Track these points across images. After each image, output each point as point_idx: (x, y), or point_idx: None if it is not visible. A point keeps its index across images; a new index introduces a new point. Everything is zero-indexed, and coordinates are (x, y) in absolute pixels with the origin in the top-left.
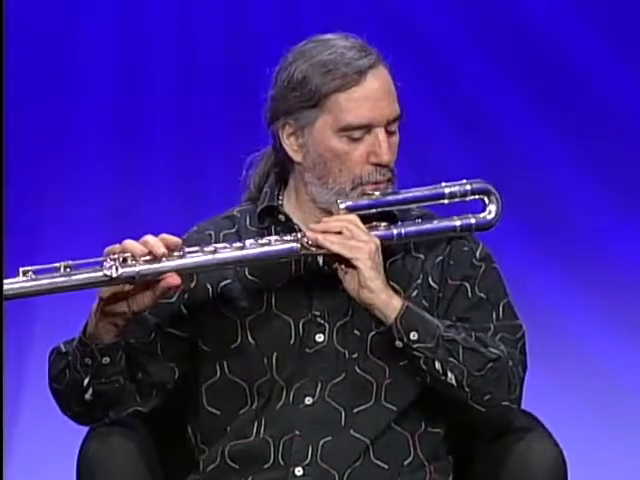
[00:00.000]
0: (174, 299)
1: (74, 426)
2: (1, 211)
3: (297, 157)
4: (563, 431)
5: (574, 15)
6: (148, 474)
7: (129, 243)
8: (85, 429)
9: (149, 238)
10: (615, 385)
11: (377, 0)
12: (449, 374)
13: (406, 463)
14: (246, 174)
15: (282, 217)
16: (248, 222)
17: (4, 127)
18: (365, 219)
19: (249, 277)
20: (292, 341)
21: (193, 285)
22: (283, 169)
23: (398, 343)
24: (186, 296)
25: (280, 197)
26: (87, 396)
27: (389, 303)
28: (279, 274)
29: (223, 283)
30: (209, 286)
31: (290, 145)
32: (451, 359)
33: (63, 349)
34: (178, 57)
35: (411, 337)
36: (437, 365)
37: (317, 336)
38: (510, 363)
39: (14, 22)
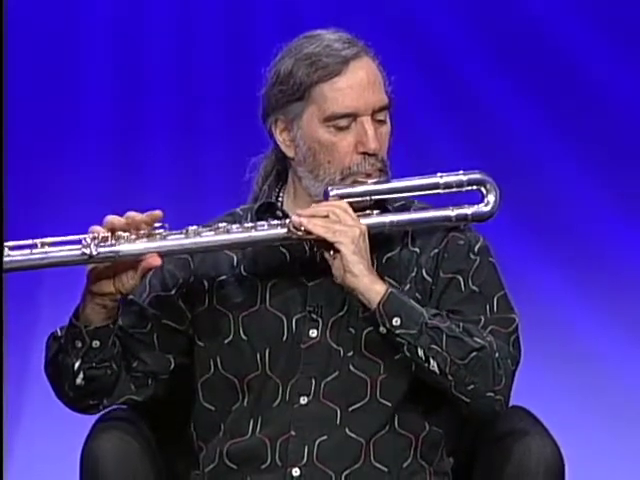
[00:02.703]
0: (173, 292)
1: (77, 422)
2: (1, 209)
3: (290, 152)
4: (563, 430)
5: (577, 16)
6: (151, 470)
7: (110, 217)
8: (88, 424)
9: (131, 212)
10: (615, 384)
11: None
12: (432, 361)
13: (405, 465)
14: (250, 176)
15: (279, 213)
16: (249, 219)
17: (4, 127)
18: (360, 209)
19: (244, 273)
20: (285, 337)
21: (191, 280)
22: (282, 167)
23: (382, 329)
24: (184, 290)
25: (280, 195)
26: (78, 380)
27: (372, 288)
28: (274, 271)
29: (219, 278)
30: (205, 281)
31: (283, 141)
32: (434, 346)
33: (58, 333)
34: (178, 57)
35: (394, 323)
36: (420, 352)
37: (310, 331)
38: (496, 355)
39: (15, 22)
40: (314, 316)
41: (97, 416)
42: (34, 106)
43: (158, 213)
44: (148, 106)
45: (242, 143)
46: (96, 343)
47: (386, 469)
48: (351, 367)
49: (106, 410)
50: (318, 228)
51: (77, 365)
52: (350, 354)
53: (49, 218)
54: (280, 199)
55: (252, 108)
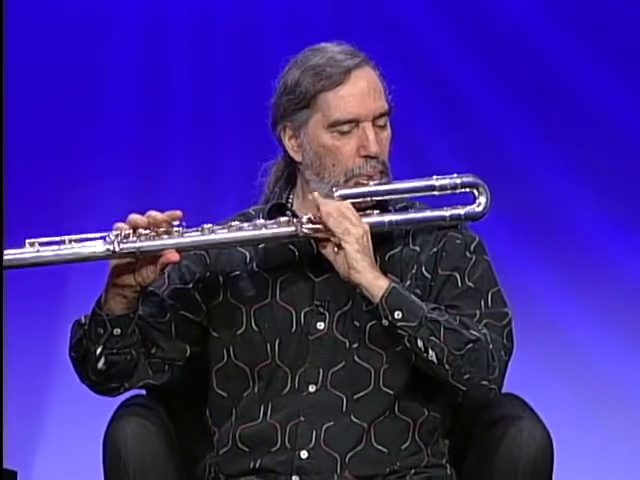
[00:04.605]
0: (190, 285)
1: (100, 408)
2: (1, 206)
3: (297, 157)
4: (552, 415)
5: (574, 29)
6: (169, 453)
7: (133, 215)
8: (111, 410)
9: (152, 212)
10: (600, 371)
11: (378, 9)
12: (430, 352)
13: (403, 447)
14: (261, 180)
15: (289, 214)
16: (261, 219)
17: (4, 127)
18: (362, 209)
19: (256, 269)
20: (294, 329)
21: (207, 275)
22: (291, 171)
23: (384, 322)
24: (200, 284)
25: (290, 197)
26: (100, 365)
27: (375, 284)
28: (284, 267)
29: (233, 274)
30: (220, 276)
31: (291, 147)
32: (433, 338)
33: (82, 320)
34: (197, 71)
35: (395, 316)
36: (419, 343)
37: (318, 324)
38: (490, 346)
39: (41, 27)
40: (321, 309)
41: (118, 403)
42: (59, 111)
43: (178, 213)
44: (169, 116)
45: (254, 150)
46: (117, 331)
47: (386, 450)
48: (356, 358)
49: (126, 397)
50: (331, 220)
51: (99, 351)
52: (355, 346)
53: (73, 218)
54: (290, 201)
55: (264, 118)
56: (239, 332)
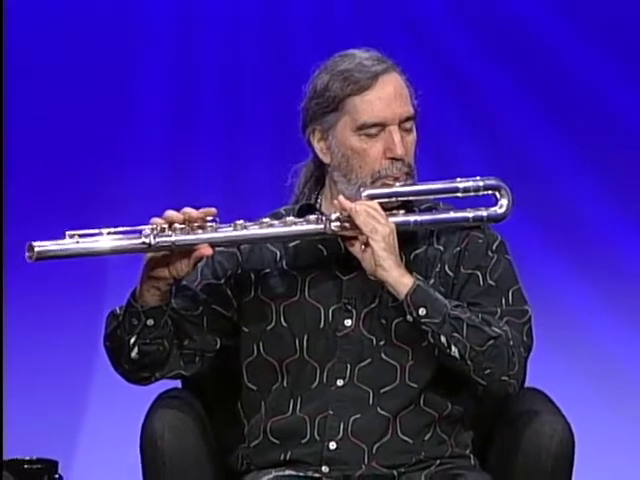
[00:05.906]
0: (222, 281)
1: (138, 400)
2: (2, 208)
3: (326, 159)
4: (572, 408)
5: (587, 32)
6: (204, 444)
7: (169, 211)
8: (149, 402)
9: (188, 208)
10: (617, 368)
11: (405, 12)
12: (453, 348)
13: (426, 438)
14: (292, 181)
15: (318, 213)
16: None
17: (4, 128)
18: (388, 209)
19: (285, 267)
20: (322, 325)
21: (239, 272)
22: (320, 173)
23: (409, 317)
24: (232, 281)
25: (319, 197)
26: (133, 354)
27: (400, 281)
28: (312, 266)
29: (263, 271)
30: (252, 274)
31: (320, 149)
32: (455, 334)
33: (117, 311)
34: (228, 76)
35: (420, 312)
36: (442, 339)
37: (345, 321)
38: (511, 343)
39: (74, 25)
40: (349, 307)
41: (156, 395)
42: (93, 112)
43: (212, 210)
44: (199, 118)
45: (286, 152)
46: (150, 322)
47: (411, 441)
48: (383, 355)
49: (163, 390)
50: (360, 217)
51: (132, 340)
52: (382, 343)
53: (108, 216)
54: (318, 201)
55: (295, 121)
56: (269, 327)
